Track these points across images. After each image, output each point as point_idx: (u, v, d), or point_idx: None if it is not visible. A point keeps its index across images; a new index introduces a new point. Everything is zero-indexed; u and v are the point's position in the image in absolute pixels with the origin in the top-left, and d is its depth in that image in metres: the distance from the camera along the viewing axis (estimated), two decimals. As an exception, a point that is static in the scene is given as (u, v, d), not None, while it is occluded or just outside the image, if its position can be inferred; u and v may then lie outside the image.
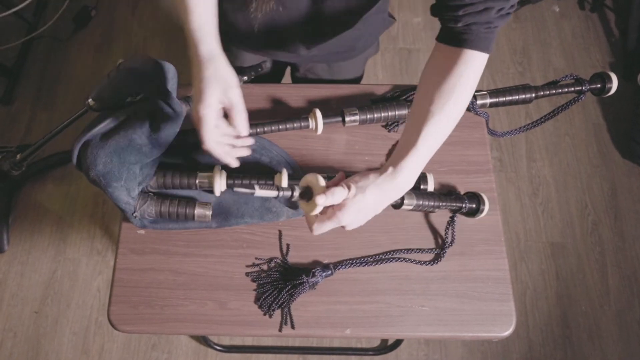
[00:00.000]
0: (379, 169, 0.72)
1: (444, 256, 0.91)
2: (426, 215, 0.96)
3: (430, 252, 0.93)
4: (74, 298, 1.75)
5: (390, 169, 0.71)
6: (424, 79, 0.75)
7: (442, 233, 0.94)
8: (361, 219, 0.72)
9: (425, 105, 0.71)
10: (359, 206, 0.69)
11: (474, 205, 0.92)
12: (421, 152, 0.71)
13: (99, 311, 1.73)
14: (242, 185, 0.92)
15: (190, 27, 0.73)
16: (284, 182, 0.89)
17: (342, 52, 1.06)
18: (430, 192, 0.89)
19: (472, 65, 0.70)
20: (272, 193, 0.66)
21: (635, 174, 2.00)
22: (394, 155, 0.73)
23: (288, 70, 1.25)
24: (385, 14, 1.05)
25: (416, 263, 0.92)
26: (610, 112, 2.12)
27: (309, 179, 0.71)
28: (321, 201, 0.66)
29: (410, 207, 0.87)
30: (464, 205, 0.91)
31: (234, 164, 0.80)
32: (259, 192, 0.65)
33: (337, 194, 0.67)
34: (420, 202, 0.86)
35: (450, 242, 0.92)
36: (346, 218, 0.69)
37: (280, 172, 0.89)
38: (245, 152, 0.84)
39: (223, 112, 0.77)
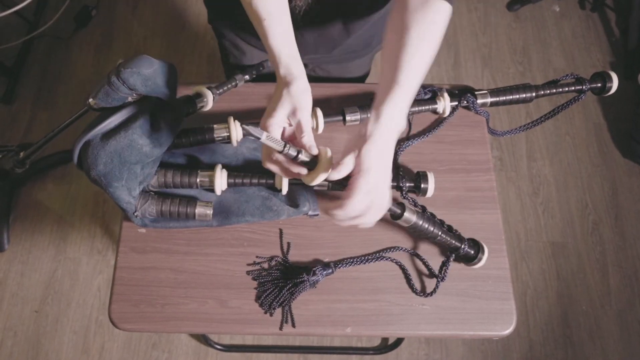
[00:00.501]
0: (362, 129, 0.70)
1: (437, 289, 0.89)
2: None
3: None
4: (74, 297, 1.75)
5: (374, 114, 0.69)
6: (392, 19, 0.75)
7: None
8: (379, 200, 0.70)
9: (398, 38, 0.70)
10: (368, 187, 0.68)
11: (472, 252, 0.89)
12: (403, 86, 0.70)
13: (99, 310, 1.73)
14: (242, 184, 0.92)
15: (271, 47, 0.74)
16: (284, 183, 0.89)
17: (358, 50, 1.06)
18: (432, 218, 0.86)
19: None
20: (278, 146, 0.66)
21: (636, 173, 2.00)
22: (376, 101, 0.71)
23: None
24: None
25: (417, 258, 0.92)
26: (611, 111, 2.12)
27: (320, 150, 0.70)
28: (323, 176, 0.67)
29: (407, 225, 0.84)
30: (462, 247, 0.87)
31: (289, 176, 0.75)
32: (265, 140, 0.65)
33: (344, 169, 0.68)
34: (420, 223, 0.83)
35: (442, 278, 0.89)
36: (358, 206, 0.68)
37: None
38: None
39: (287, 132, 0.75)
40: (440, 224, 0.89)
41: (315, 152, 0.70)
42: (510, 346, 1.72)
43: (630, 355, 1.72)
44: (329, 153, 0.69)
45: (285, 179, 0.88)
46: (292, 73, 0.72)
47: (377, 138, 0.68)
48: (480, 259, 0.88)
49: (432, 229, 0.85)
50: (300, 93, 0.71)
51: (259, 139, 0.65)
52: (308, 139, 0.71)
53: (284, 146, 0.67)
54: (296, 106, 0.71)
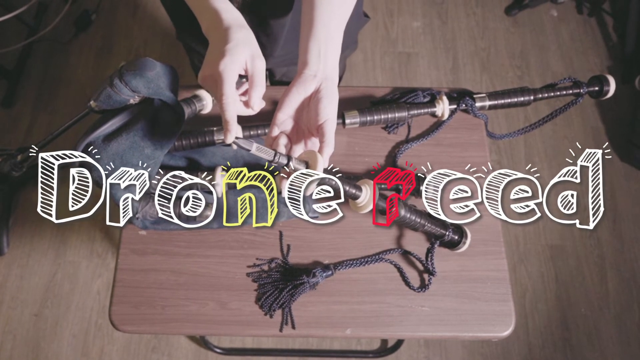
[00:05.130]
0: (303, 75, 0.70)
1: (430, 284, 0.90)
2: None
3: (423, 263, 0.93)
4: (73, 301, 1.75)
5: (307, 73, 0.69)
6: None
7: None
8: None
9: None
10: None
11: (456, 237, 0.90)
12: (321, 34, 0.70)
13: (98, 314, 1.73)
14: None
15: (209, 0, 0.70)
16: (284, 185, 0.89)
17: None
18: (419, 210, 0.87)
19: None
20: (268, 156, 0.66)
21: (633, 176, 2.01)
22: (301, 59, 0.71)
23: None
24: (360, 13, 1.06)
25: (416, 257, 0.92)
26: (609, 115, 2.13)
27: (310, 155, 0.70)
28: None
29: (396, 218, 0.85)
30: (446, 234, 0.89)
31: (230, 139, 0.69)
32: (256, 151, 0.64)
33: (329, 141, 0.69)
34: (407, 215, 0.84)
35: (432, 272, 0.90)
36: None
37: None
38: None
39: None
40: (427, 215, 0.90)
41: (257, 109, 0.70)
42: (509, 349, 1.72)
43: (630, 358, 1.73)
44: (319, 158, 0.68)
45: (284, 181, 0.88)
46: (241, 20, 0.69)
47: (329, 80, 0.69)
48: (464, 243, 0.90)
49: (419, 220, 0.86)
50: (257, 42, 0.69)
51: (249, 150, 0.64)
52: (259, 92, 0.69)
53: (274, 155, 0.66)
54: (255, 52, 0.68)
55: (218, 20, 0.69)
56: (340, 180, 0.73)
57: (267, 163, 0.73)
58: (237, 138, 0.66)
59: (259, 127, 0.95)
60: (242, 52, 0.66)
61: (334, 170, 0.72)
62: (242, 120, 1.00)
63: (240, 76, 0.70)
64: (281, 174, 0.73)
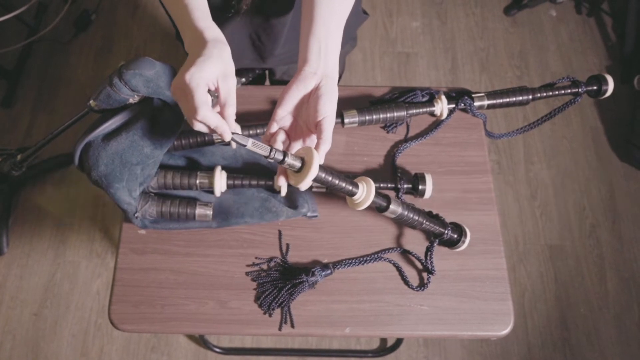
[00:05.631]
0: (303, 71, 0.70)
1: (429, 283, 0.90)
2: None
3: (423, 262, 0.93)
4: (73, 300, 1.75)
5: (307, 70, 0.70)
6: None
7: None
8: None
9: None
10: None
11: (455, 235, 0.90)
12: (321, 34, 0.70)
13: (98, 313, 1.73)
14: (241, 186, 0.93)
15: (191, 18, 0.69)
16: (284, 184, 0.90)
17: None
18: (416, 208, 0.88)
19: None
20: (264, 151, 0.65)
21: (633, 176, 2.02)
22: (301, 56, 0.71)
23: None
24: (359, 10, 1.07)
25: (415, 257, 0.92)
26: (608, 115, 2.14)
27: (307, 152, 0.69)
28: (311, 177, 0.67)
29: (394, 216, 0.85)
30: (445, 232, 0.89)
31: (228, 136, 0.68)
32: (251, 147, 0.64)
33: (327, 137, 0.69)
34: (405, 213, 0.85)
35: (432, 271, 0.91)
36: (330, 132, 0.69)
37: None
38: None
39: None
40: (425, 212, 0.90)
41: (232, 129, 0.67)
42: (508, 349, 1.73)
43: (629, 358, 1.73)
44: (315, 154, 0.67)
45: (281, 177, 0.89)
46: (221, 38, 0.68)
47: (329, 78, 0.70)
48: (463, 242, 0.90)
49: (417, 217, 0.86)
50: (232, 61, 0.68)
51: (244, 146, 0.65)
52: (232, 110, 0.67)
53: (270, 151, 0.66)
54: (228, 71, 0.66)
55: (199, 38, 0.68)
56: (337, 177, 0.73)
57: (265, 163, 0.73)
58: (234, 134, 0.66)
59: (257, 127, 0.95)
60: (212, 66, 0.65)
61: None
62: (242, 120, 1.01)
63: (211, 94, 0.68)
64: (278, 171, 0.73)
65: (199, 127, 0.66)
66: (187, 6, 0.69)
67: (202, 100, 0.63)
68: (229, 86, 0.66)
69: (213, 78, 0.65)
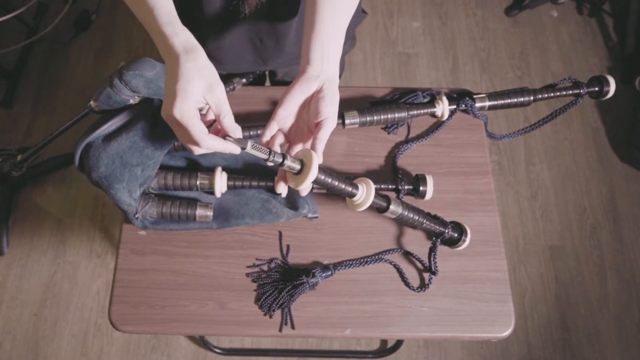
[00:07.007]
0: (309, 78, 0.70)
1: (430, 284, 0.90)
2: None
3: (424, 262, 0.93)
4: (73, 301, 1.75)
5: (310, 73, 0.69)
6: None
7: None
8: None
9: None
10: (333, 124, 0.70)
11: (455, 234, 0.90)
12: (326, 35, 0.70)
13: (98, 314, 1.73)
14: (242, 187, 0.92)
15: (158, 24, 0.66)
16: (284, 185, 0.90)
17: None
18: (416, 208, 0.88)
19: None
20: (263, 154, 0.65)
21: (633, 178, 2.01)
22: (304, 58, 0.71)
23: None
24: (358, 9, 1.06)
25: (416, 258, 0.92)
26: (609, 116, 2.13)
27: (306, 154, 0.69)
28: (311, 180, 0.67)
29: (394, 216, 0.85)
30: (446, 231, 0.89)
31: (237, 151, 0.68)
32: (250, 149, 0.64)
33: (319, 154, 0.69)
34: (405, 213, 0.84)
35: (434, 271, 0.90)
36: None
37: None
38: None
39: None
40: (425, 213, 0.90)
41: (239, 134, 0.67)
42: (509, 349, 1.72)
43: (629, 358, 1.73)
44: (314, 156, 0.67)
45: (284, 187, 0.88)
46: (193, 41, 0.66)
47: (331, 82, 0.70)
48: (464, 241, 0.90)
49: (417, 217, 0.86)
50: (210, 66, 0.66)
51: (243, 149, 0.64)
52: (230, 119, 0.66)
53: (269, 153, 0.66)
54: (211, 81, 0.65)
55: (169, 47, 0.65)
56: (337, 179, 0.73)
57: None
58: (230, 137, 0.66)
59: (258, 128, 0.95)
60: (194, 88, 0.63)
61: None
62: (243, 120, 1.00)
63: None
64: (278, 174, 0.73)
65: (200, 152, 0.67)
66: (152, 11, 0.67)
67: (200, 131, 0.63)
68: (218, 96, 0.65)
69: (200, 98, 0.64)
